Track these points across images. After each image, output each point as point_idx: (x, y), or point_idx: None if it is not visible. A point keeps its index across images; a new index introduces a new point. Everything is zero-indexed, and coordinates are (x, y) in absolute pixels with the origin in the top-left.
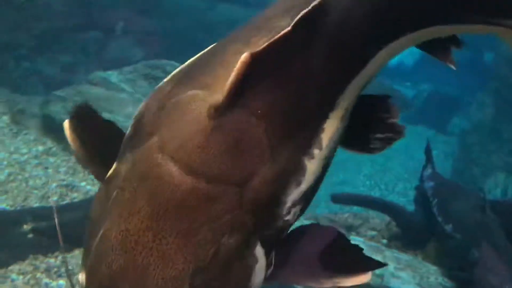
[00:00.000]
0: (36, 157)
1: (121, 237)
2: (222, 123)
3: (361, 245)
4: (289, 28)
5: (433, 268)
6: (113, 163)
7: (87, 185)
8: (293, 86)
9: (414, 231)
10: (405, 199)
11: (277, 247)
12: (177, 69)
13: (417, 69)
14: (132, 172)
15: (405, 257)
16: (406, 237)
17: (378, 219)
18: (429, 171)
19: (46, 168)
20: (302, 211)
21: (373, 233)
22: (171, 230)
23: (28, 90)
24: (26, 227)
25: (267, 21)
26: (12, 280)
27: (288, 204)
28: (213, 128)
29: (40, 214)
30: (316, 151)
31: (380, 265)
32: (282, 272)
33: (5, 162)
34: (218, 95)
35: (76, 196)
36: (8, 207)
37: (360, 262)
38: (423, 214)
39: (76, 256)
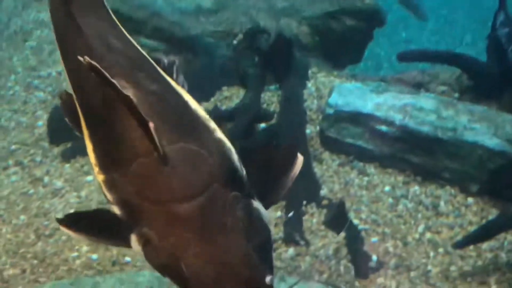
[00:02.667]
0: None
1: None
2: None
3: (432, 101)
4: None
5: (508, 117)
6: None
7: None
8: None
9: (488, 82)
10: (474, 51)
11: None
12: None
13: None
14: None
15: (479, 108)
16: (479, 89)
17: (447, 73)
18: (502, 16)
19: None
20: None
21: (444, 88)
22: None
23: None
24: None
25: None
26: None
27: None
28: None
29: None
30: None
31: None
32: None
33: None
34: None
35: None
36: None
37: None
38: (497, 63)
39: None
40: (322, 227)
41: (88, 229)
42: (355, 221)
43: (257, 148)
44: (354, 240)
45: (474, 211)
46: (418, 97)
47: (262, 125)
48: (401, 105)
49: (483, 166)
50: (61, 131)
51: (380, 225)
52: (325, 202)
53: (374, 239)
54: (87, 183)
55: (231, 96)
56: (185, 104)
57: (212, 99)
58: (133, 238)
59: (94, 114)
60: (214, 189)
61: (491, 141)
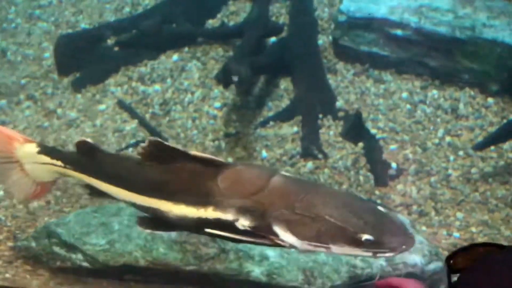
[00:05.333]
0: None
1: None
2: None
3: (450, 0)
4: None
5: None
6: None
7: None
8: None
9: None
10: None
11: None
12: None
13: None
14: None
15: (498, 4)
16: None
17: None
18: None
19: None
20: None
21: None
22: None
23: None
24: (109, 41)
25: None
26: (112, 93)
27: None
28: None
29: (119, 26)
30: None
31: None
32: None
33: None
34: None
35: (148, 3)
36: (87, 26)
37: None
38: None
39: (162, 62)
40: (340, 139)
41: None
42: (373, 131)
43: None
44: (372, 149)
45: (494, 112)
46: None
47: (272, 39)
48: (416, 6)
49: (503, 64)
50: (68, 61)
51: (398, 133)
52: (341, 113)
53: (393, 147)
54: (101, 112)
55: (238, 11)
56: None
57: (219, 15)
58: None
59: None
60: None
61: (511, 38)
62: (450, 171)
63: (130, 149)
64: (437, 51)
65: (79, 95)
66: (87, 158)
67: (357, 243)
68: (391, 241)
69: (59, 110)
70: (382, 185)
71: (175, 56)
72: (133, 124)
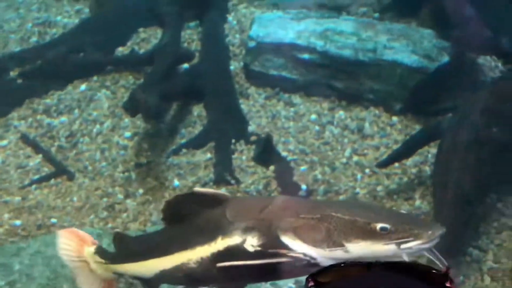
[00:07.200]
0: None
1: None
2: None
3: (352, 23)
4: None
5: (426, 32)
6: None
7: (64, 19)
8: None
9: None
10: None
11: None
12: None
13: None
14: None
15: (397, 27)
16: (398, 6)
17: None
18: None
19: (17, 9)
20: None
21: (364, 9)
22: None
23: None
24: (13, 73)
25: None
26: (15, 127)
27: None
28: None
29: (23, 57)
30: None
31: None
32: None
33: None
34: None
35: (56, 32)
36: None
37: None
38: None
39: (69, 92)
40: (252, 163)
41: None
42: (284, 153)
43: None
44: (283, 172)
45: (398, 130)
46: (338, 21)
47: (185, 65)
48: (322, 30)
49: (403, 84)
50: None
51: (308, 154)
52: (253, 138)
53: (303, 168)
54: (2, 148)
55: (149, 38)
56: None
57: (129, 43)
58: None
59: None
60: None
61: (410, 59)
62: (357, 189)
63: (33, 186)
64: (342, 73)
65: None
66: (120, 249)
67: (373, 235)
68: (412, 228)
69: None
70: None
71: (83, 86)
72: (37, 159)
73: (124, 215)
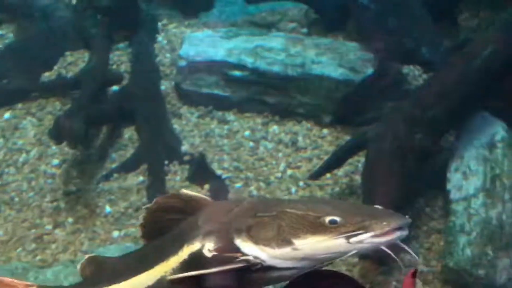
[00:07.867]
0: None
1: None
2: None
3: (281, 39)
4: None
5: (351, 45)
6: None
7: None
8: None
9: (332, 13)
10: None
11: None
12: None
13: None
14: None
15: (325, 41)
16: (325, 20)
17: (296, 9)
18: None
19: None
20: None
21: (293, 25)
22: None
23: None
24: None
25: None
26: None
27: None
28: None
29: None
30: None
31: None
32: None
33: None
34: None
35: None
36: None
37: None
38: None
39: None
40: (187, 183)
41: None
42: (219, 171)
43: None
44: (218, 190)
45: (329, 141)
46: (267, 38)
47: (115, 87)
48: (252, 47)
49: (331, 97)
50: None
51: (242, 171)
52: (187, 157)
53: (238, 185)
54: None
55: (76, 61)
56: None
57: (56, 67)
58: None
59: None
60: None
61: (336, 72)
62: None
63: None
64: (274, 89)
65: None
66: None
67: (322, 229)
68: (365, 219)
69: None
70: None
71: (7, 114)
72: None
73: (53, 246)
